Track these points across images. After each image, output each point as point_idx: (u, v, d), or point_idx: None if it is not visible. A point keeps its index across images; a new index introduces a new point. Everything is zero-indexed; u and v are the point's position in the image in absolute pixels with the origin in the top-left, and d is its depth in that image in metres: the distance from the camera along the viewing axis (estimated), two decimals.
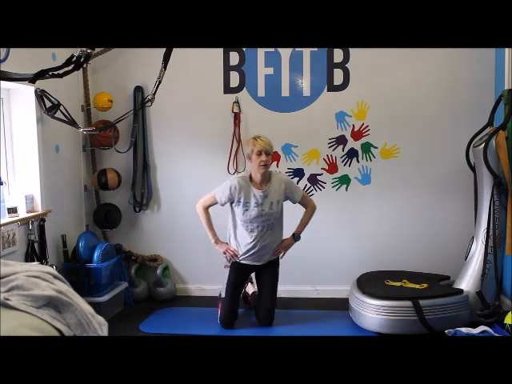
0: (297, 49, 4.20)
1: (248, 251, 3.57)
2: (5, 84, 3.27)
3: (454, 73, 4.14)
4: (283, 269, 4.34)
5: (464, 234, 3.97)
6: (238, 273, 3.64)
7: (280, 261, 4.33)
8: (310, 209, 3.71)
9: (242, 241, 3.58)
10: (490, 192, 3.55)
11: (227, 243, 3.65)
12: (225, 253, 3.62)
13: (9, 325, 1.06)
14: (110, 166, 4.35)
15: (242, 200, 3.50)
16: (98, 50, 4.10)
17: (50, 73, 2.83)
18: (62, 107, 3.64)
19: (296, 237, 3.70)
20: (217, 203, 3.60)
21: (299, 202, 3.68)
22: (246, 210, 3.51)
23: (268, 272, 3.68)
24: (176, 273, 4.52)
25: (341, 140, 4.26)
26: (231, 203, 3.57)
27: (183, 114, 4.37)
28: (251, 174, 3.56)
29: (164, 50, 3.42)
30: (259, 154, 3.44)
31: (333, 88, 4.23)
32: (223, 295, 3.65)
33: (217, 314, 3.67)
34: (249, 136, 4.28)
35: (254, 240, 3.54)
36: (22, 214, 3.53)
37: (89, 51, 2.77)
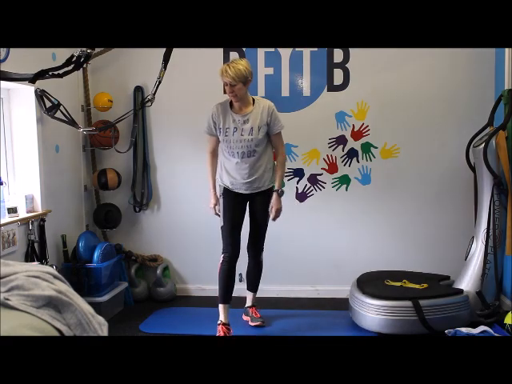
0: (297, 49, 4.20)
1: (232, 178, 3.47)
2: (5, 84, 3.26)
3: (454, 73, 4.14)
4: (283, 269, 4.37)
5: (464, 234, 3.97)
6: (231, 199, 3.51)
7: (280, 261, 4.35)
8: (281, 161, 3.56)
9: (227, 168, 3.49)
10: (490, 192, 3.55)
11: (218, 199, 3.55)
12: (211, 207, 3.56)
13: (9, 325, 1.06)
14: (110, 166, 4.35)
15: (221, 126, 3.41)
16: (98, 49, 4.09)
17: (50, 73, 2.83)
18: (62, 107, 3.64)
19: (280, 192, 3.52)
20: (217, 139, 3.50)
21: (273, 138, 3.48)
22: (226, 135, 3.40)
23: (258, 202, 3.54)
24: (176, 273, 4.52)
25: (341, 140, 4.26)
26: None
27: (183, 114, 4.37)
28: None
29: (164, 49, 3.42)
30: (226, 85, 3.31)
31: (333, 88, 4.23)
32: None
33: (216, 314, 3.66)
34: None
35: (235, 166, 3.43)
36: (22, 214, 3.53)
37: (89, 51, 2.77)
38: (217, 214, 3.55)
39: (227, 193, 3.52)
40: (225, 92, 4.26)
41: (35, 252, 3.56)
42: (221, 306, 3.50)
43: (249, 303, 3.81)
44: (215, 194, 3.55)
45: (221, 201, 3.54)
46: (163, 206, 4.46)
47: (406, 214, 4.27)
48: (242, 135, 3.38)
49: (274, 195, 3.51)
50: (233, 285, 3.53)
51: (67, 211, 4.11)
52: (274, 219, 3.53)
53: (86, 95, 4.33)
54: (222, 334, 3.43)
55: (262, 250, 3.67)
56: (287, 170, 4.32)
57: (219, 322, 3.47)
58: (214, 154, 3.59)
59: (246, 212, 3.59)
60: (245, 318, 3.79)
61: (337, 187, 4.31)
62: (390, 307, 3.37)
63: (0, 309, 1.10)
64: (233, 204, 3.52)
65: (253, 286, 3.78)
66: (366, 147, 4.25)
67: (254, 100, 3.44)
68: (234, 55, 4.25)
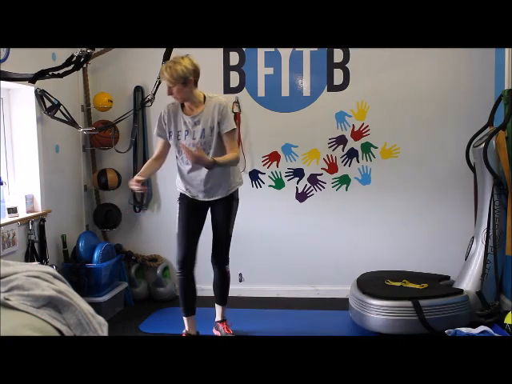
0: (297, 49, 4.20)
1: (188, 185, 3.22)
2: (5, 84, 3.26)
3: (454, 72, 4.14)
4: (283, 269, 4.37)
5: (464, 234, 3.97)
6: (188, 206, 3.27)
7: (280, 261, 4.35)
8: (232, 154, 3.08)
9: (182, 174, 3.23)
10: (490, 192, 3.55)
11: (138, 180, 3.12)
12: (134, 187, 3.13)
13: (9, 325, 1.05)
14: (110, 166, 4.35)
15: (172, 130, 3.13)
16: (98, 49, 4.09)
17: (50, 73, 2.83)
18: (62, 107, 3.64)
19: (214, 162, 2.96)
20: (166, 143, 3.20)
21: (224, 138, 3.08)
22: (178, 139, 3.13)
23: (217, 211, 3.27)
24: (176, 273, 4.51)
25: (341, 140, 4.26)
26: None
27: None
28: None
29: (164, 49, 3.42)
30: (167, 85, 3.02)
31: (333, 88, 4.23)
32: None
33: (215, 314, 3.65)
34: (249, 136, 4.31)
35: (189, 172, 3.17)
36: (22, 214, 3.53)
37: (89, 51, 2.78)
38: (133, 188, 3.14)
39: (184, 199, 3.29)
40: (225, 92, 4.30)
41: (35, 252, 3.56)
42: (184, 319, 3.31)
43: (218, 317, 3.51)
44: (139, 174, 3.18)
45: (177, 207, 3.31)
46: (163, 206, 4.46)
47: (405, 214, 4.27)
48: (193, 139, 3.09)
49: (205, 155, 2.98)
50: (192, 296, 3.32)
51: (67, 211, 4.11)
52: (189, 156, 2.97)
53: (86, 95, 4.33)
54: None
55: (227, 262, 3.40)
56: (287, 170, 4.32)
57: (184, 331, 3.30)
58: (158, 159, 3.27)
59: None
60: (215, 332, 3.50)
61: (337, 187, 4.31)
62: (389, 307, 3.37)
63: (0, 309, 1.10)
64: (189, 211, 3.27)
65: (220, 298, 3.49)
66: (366, 147, 4.25)
67: (205, 98, 3.11)
68: (233, 55, 4.25)
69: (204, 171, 3.10)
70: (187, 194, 3.26)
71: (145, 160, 4.37)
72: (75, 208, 4.27)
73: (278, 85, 4.27)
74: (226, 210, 3.28)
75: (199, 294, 4.40)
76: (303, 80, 4.25)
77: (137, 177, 3.17)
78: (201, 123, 3.09)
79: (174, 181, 4.39)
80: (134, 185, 3.11)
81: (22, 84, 3.38)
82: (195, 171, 3.15)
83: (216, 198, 3.23)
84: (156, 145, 3.32)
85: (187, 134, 3.11)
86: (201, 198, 3.24)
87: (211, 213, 3.32)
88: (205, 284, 4.31)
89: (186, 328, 3.31)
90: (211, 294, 3.61)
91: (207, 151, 3.08)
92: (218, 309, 3.51)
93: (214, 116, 3.07)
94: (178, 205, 3.32)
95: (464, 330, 3.23)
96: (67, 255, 3.93)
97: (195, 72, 3.01)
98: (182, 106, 3.17)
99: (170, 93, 3.04)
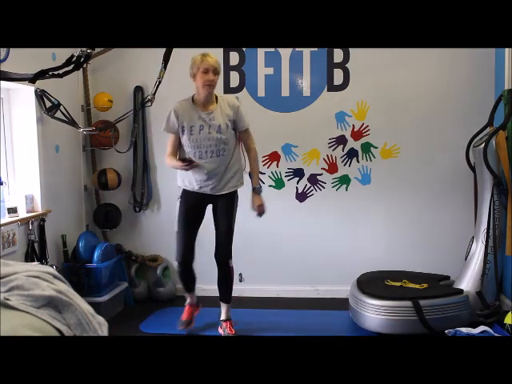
0: (297, 49, 4.20)
1: (198, 178, 3.28)
2: (5, 84, 3.26)
3: (454, 73, 4.14)
4: (283, 269, 4.36)
5: (464, 234, 3.97)
6: (189, 203, 3.36)
7: (280, 261, 4.35)
8: (253, 157, 3.42)
9: (195, 171, 3.26)
10: (490, 192, 3.55)
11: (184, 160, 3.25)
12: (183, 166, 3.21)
13: (9, 325, 1.06)
14: (110, 166, 4.35)
15: (185, 124, 3.24)
16: (98, 49, 4.09)
17: (50, 73, 2.83)
18: (62, 107, 3.64)
19: (258, 189, 3.39)
20: (178, 138, 3.31)
21: (241, 136, 3.39)
22: (191, 134, 3.24)
23: (220, 206, 3.37)
24: (176, 273, 4.50)
25: (341, 140, 4.26)
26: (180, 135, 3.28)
27: None
28: (194, 96, 3.29)
29: (164, 49, 3.42)
30: (206, 71, 3.14)
31: (333, 88, 4.23)
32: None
33: (217, 314, 3.65)
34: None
35: (201, 167, 3.24)
36: (22, 214, 3.53)
37: (89, 51, 2.77)
38: (187, 163, 3.19)
39: (187, 196, 3.37)
40: (225, 92, 4.30)
41: (35, 252, 3.56)
42: (186, 294, 3.66)
43: (223, 316, 3.55)
44: (177, 160, 3.29)
45: (177, 204, 3.40)
46: (163, 206, 4.46)
47: (405, 214, 4.27)
48: (209, 133, 3.22)
49: (252, 193, 3.40)
50: (191, 278, 3.57)
51: (67, 211, 4.11)
52: (261, 215, 3.42)
53: (86, 95, 4.33)
54: (186, 315, 3.61)
55: (231, 256, 3.46)
56: (287, 170, 4.32)
57: (186, 303, 3.66)
58: (174, 155, 3.36)
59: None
60: (219, 330, 3.53)
61: (337, 187, 4.31)
62: (389, 307, 3.37)
63: (0, 309, 1.10)
64: (190, 209, 3.37)
65: (225, 296, 3.54)
66: (366, 147, 4.25)
67: (216, 97, 3.31)
68: (233, 55, 4.25)
69: (218, 165, 3.26)
70: (192, 188, 3.34)
71: (145, 160, 4.38)
72: (75, 208, 4.27)
73: (278, 85, 4.27)
74: (229, 204, 3.38)
75: (200, 294, 4.42)
76: (303, 80, 4.25)
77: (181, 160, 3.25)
78: (216, 119, 3.24)
79: (173, 182, 4.40)
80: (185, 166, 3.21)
81: (22, 84, 3.38)
82: (211, 164, 3.25)
83: (222, 192, 3.34)
84: (169, 142, 3.39)
85: (202, 128, 3.23)
86: (208, 191, 3.33)
87: (214, 207, 3.42)
88: (206, 284, 4.33)
89: (188, 301, 3.65)
90: (212, 294, 3.62)
91: (222, 146, 3.25)
92: (223, 307, 3.56)
93: (228, 113, 3.27)
94: (178, 202, 3.42)
95: (464, 330, 3.23)
96: (67, 255, 3.93)
97: None
98: (193, 102, 3.30)
99: (212, 79, 3.17)
